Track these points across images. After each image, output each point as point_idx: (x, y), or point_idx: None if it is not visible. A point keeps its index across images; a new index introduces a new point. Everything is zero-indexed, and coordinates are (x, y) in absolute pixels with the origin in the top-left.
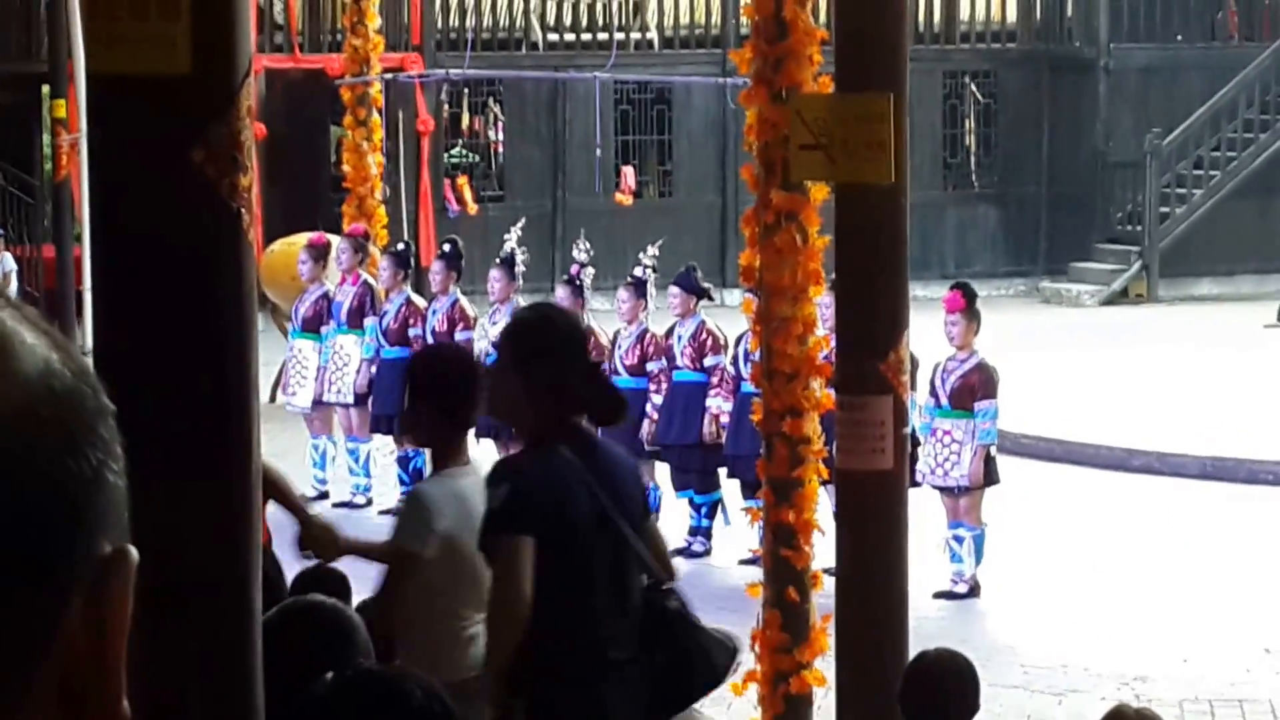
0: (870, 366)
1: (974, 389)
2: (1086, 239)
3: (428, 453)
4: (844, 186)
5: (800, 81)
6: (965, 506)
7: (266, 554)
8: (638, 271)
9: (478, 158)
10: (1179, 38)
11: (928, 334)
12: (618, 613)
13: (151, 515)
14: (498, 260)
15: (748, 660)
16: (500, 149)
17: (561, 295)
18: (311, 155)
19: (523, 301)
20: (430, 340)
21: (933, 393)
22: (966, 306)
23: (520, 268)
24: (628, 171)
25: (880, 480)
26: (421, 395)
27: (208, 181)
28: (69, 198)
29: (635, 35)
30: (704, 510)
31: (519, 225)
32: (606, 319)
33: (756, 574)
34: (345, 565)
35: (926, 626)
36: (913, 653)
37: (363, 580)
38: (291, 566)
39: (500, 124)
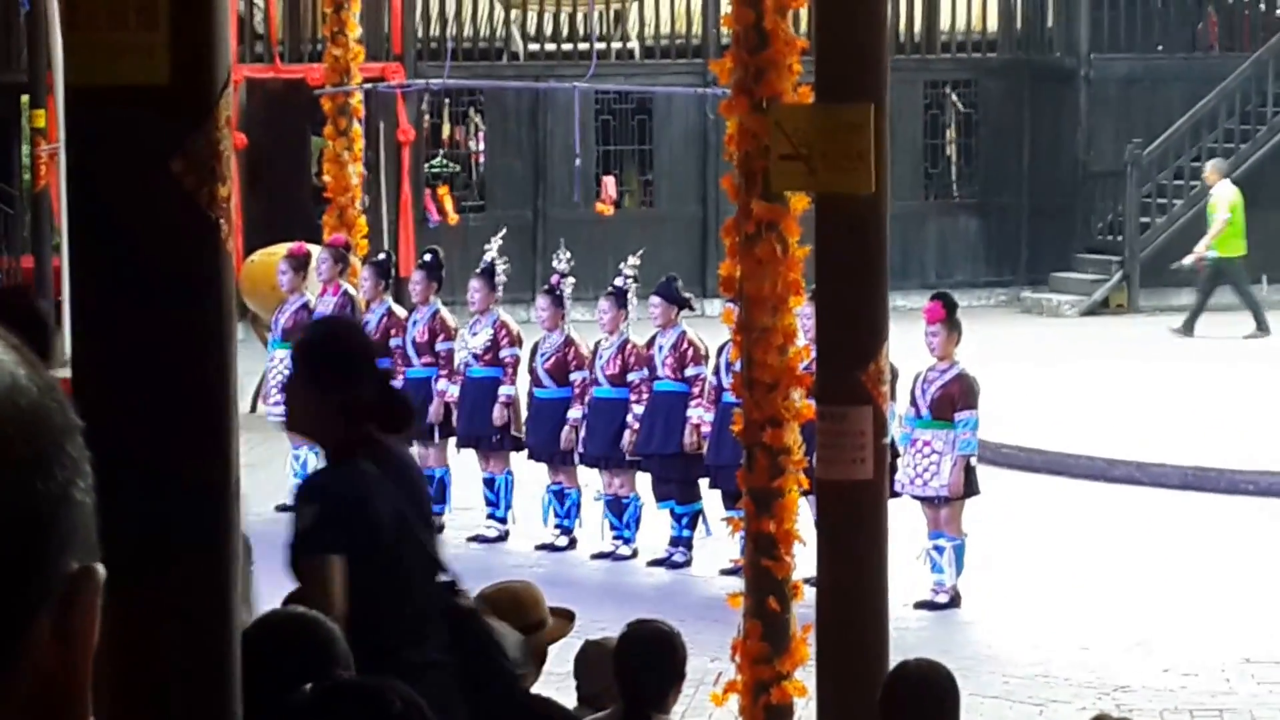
0: (850, 377)
1: (954, 399)
2: (1067, 249)
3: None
4: (824, 197)
5: (780, 91)
6: (946, 517)
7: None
8: (618, 282)
9: (458, 168)
10: (1160, 48)
11: (908, 344)
12: (427, 616)
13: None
14: (478, 271)
15: (728, 670)
16: (481, 159)
17: (542, 305)
18: (292, 165)
19: (503, 312)
20: (412, 351)
21: (913, 403)
22: (947, 317)
23: (500, 278)
24: (608, 181)
25: (860, 490)
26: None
27: (186, 192)
28: (48, 208)
29: (616, 45)
30: (685, 521)
31: (499, 236)
32: (587, 329)
33: (737, 584)
34: None
35: (907, 637)
36: (893, 663)
37: None
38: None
39: (481, 134)
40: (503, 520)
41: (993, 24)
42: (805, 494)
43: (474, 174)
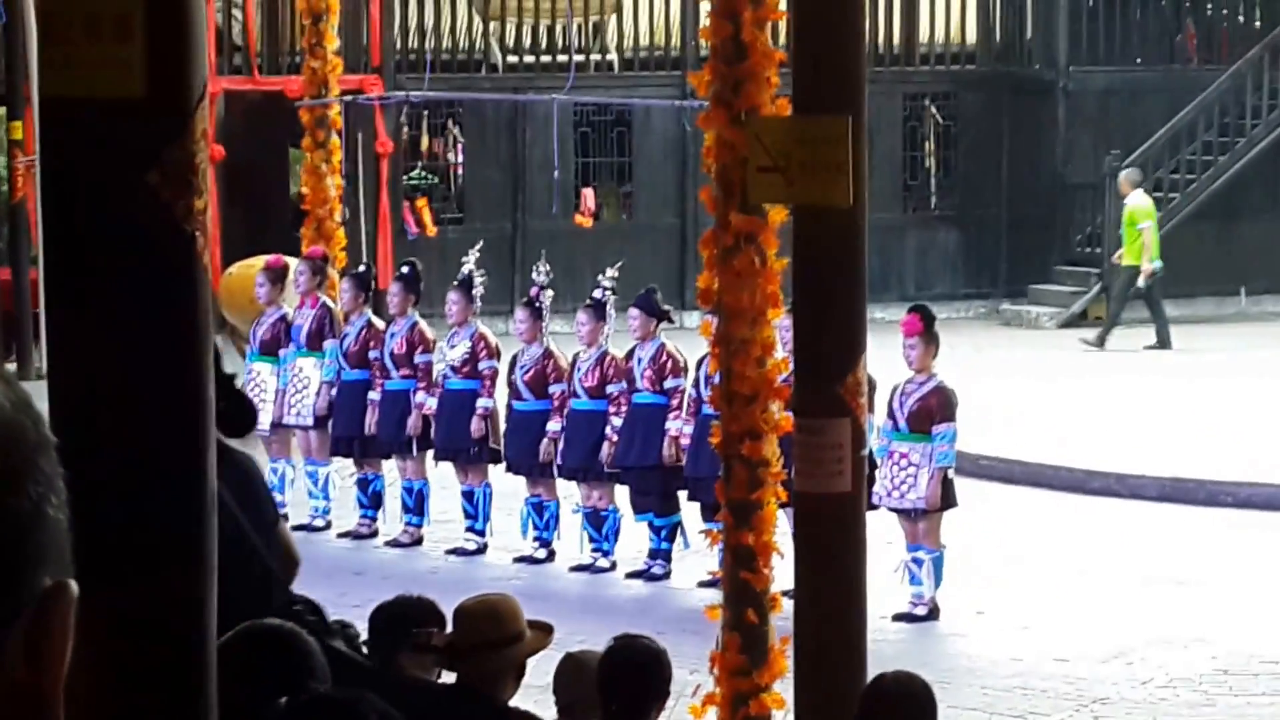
0: (828, 389)
1: (932, 412)
2: (1046, 261)
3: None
4: (802, 209)
5: (759, 104)
6: (924, 529)
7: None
8: (597, 294)
9: (437, 180)
10: (1138, 60)
11: (888, 356)
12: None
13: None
14: (455, 283)
15: (707, 683)
16: (459, 171)
17: (521, 317)
18: (271, 177)
19: (481, 324)
20: (390, 363)
21: (891, 415)
22: (924, 330)
23: (478, 290)
24: (587, 193)
25: (838, 503)
26: None
27: (163, 204)
28: (25, 220)
29: (595, 57)
30: (663, 533)
31: (476, 248)
32: (566, 341)
33: (716, 596)
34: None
35: (885, 649)
36: (871, 675)
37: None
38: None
39: (459, 146)
40: (481, 533)
41: (971, 36)
42: (783, 506)
43: (452, 186)
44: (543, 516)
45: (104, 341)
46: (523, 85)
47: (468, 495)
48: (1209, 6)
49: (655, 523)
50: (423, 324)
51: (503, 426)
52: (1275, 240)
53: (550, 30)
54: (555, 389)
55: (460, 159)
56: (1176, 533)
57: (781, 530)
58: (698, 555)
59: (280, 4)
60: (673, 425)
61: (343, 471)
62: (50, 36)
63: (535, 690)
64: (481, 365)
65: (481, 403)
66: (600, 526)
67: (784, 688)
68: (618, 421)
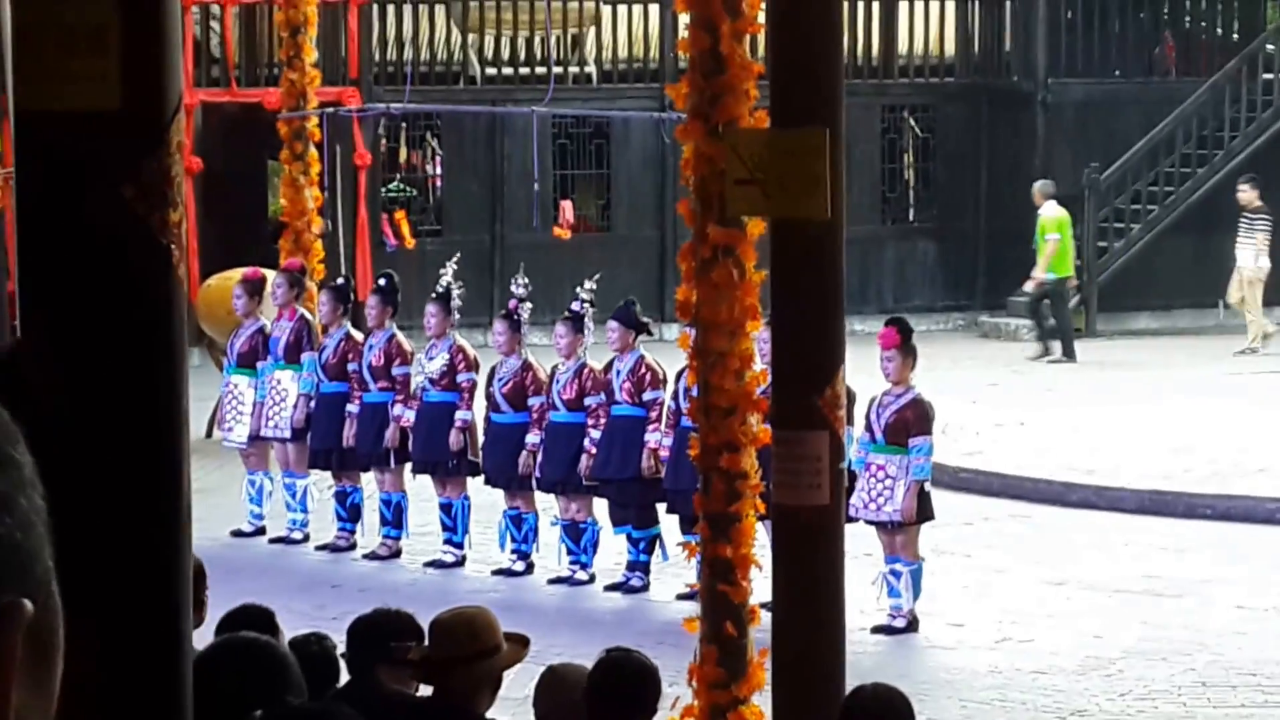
0: (807, 402)
1: (908, 425)
2: (1025, 273)
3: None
4: (780, 221)
5: (737, 116)
6: (902, 541)
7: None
8: (576, 306)
9: (415, 192)
10: (1117, 72)
11: (867, 368)
12: None
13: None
14: (433, 295)
15: (685, 695)
16: (438, 183)
17: (499, 330)
18: (249, 189)
19: (459, 337)
20: (368, 376)
21: (868, 428)
22: (902, 342)
23: (456, 302)
24: (566, 206)
25: (817, 515)
26: None
27: (138, 217)
28: (2, 232)
29: (573, 69)
30: (642, 545)
31: (454, 260)
32: (544, 353)
33: (694, 609)
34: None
35: (864, 661)
36: (849, 688)
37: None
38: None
39: (438, 158)
40: (459, 545)
41: (950, 48)
42: (762, 519)
43: (431, 198)
44: (521, 529)
45: (79, 353)
46: (501, 98)
47: (446, 508)
48: (1188, 19)
49: (634, 535)
50: (401, 336)
51: (481, 439)
52: None
53: (529, 42)
54: (534, 401)
55: (439, 171)
56: (1155, 545)
57: (760, 543)
58: (676, 568)
59: (258, 16)
60: (651, 437)
61: (321, 484)
62: (26, 49)
63: (512, 703)
64: (460, 377)
65: (460, 415)
66: (578, 539)
67: (762, 700)
68: (596, 434)
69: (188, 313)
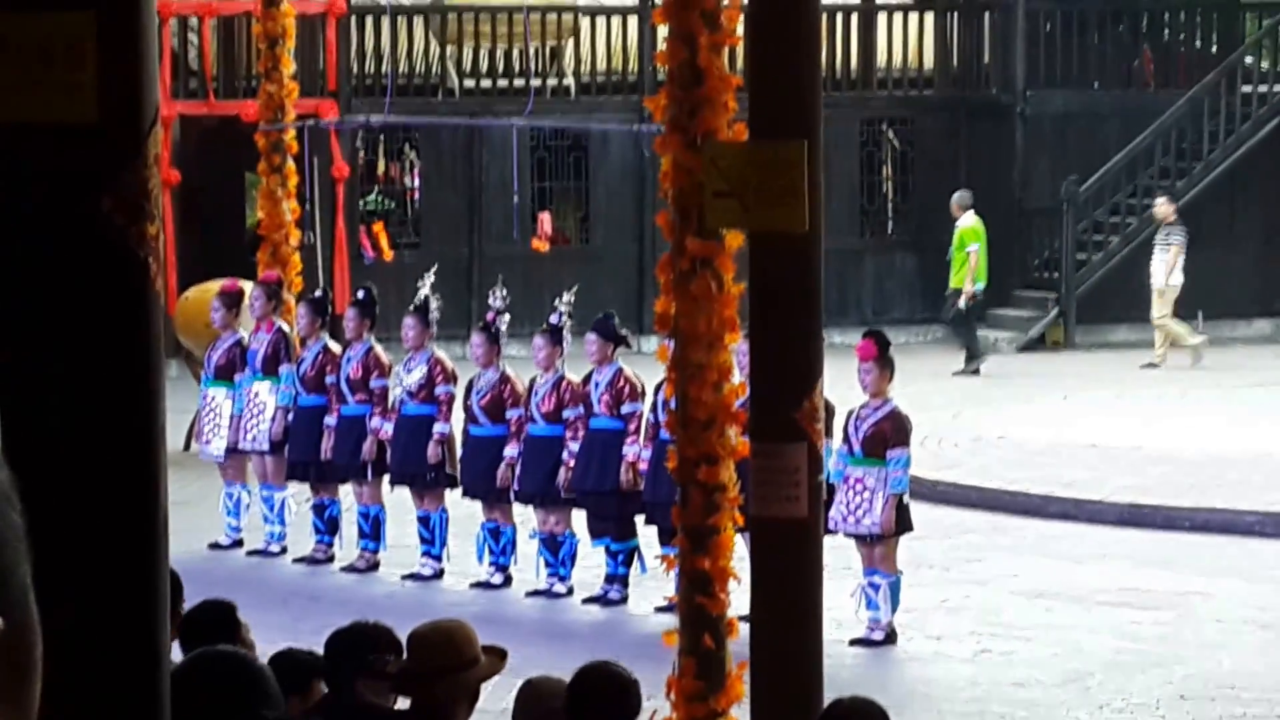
0: (785, 414)
1: (886, 437)
2: (1004, 285)
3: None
4: (758, 234)
5: (715, 128)
6: (880, 554)
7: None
8: (554, 318)
9: (394, 204)
10: (1096, 85)
11: (847, 380)
12: None
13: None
14: (412, 307)
15: (664, 708)
16: (416, 195)
17: (477, 342)
18: (226, 202)
19: (437, 349)
20: (346, 388)
21: (846, 440)
22: (879, 354)
23: (434, 315)
24: (544, 218)
25: (795, 528)
26: None
27: (116, 230)
28: None
29: (552, 82)
30: (620, 558)
31: (432, 273)
32: (523, 366)
33: (672, 621)
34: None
35: (842, 674)
36: (828, 700)
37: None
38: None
39: (416, 170)
40: (437, 558)
41: (929, 61)
42: (740, 531)
43: (409, 210)
44: (499, 542)
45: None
46: (480, 110)
47: (424, 520)
48: (1166, 31)
49: (612, 547)
50: (379, 349)
51: (459, 451)
52: (1232, 265)
53: (508, 55)
54: (512, 414)
55: (417, 183)
56: (1134, 557)
57: (738, 555)
58: (655, 580)
59: (236, 28)
60: (630, 450)
61: (299, 496)
62: (2, 61)
63: (490, 716)
64: (438, 390)
65: (438, 428)
66: (557, 551)
67: (741, 713)
68: (575, 446)
69: (165, 325)
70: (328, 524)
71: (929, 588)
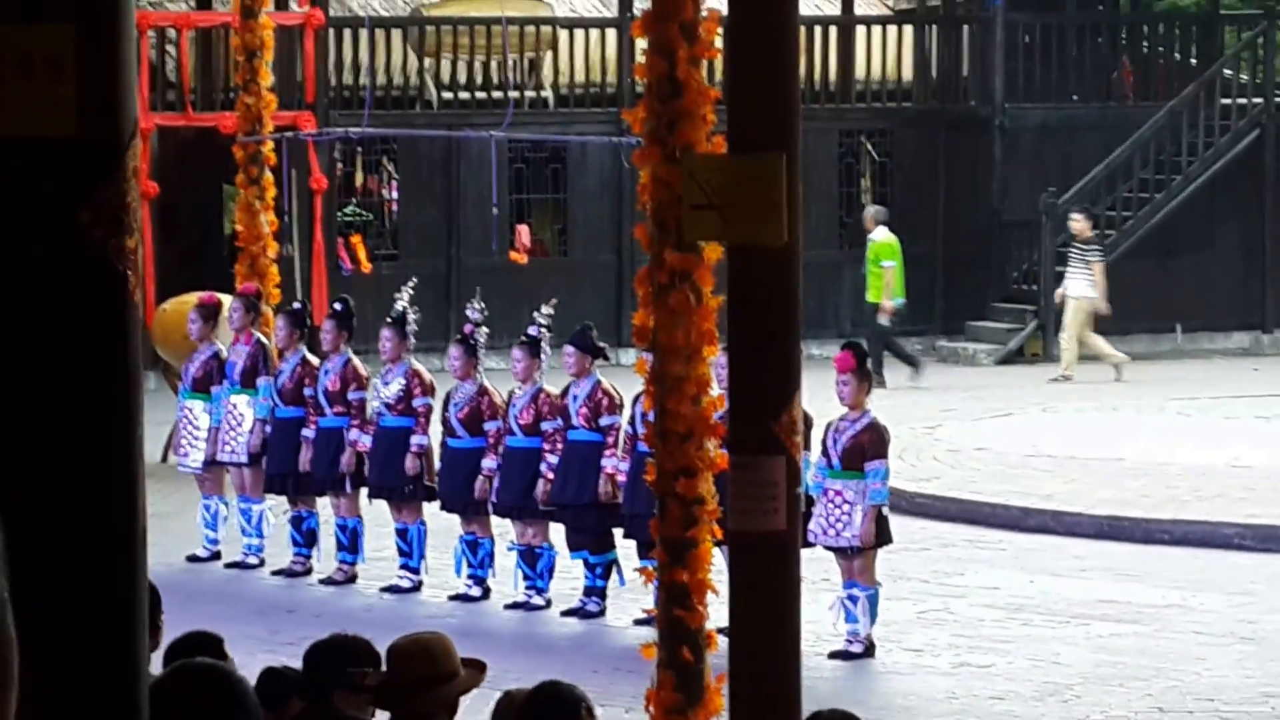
0: (763, 427)
1: (864, 449)
2: (983, 298)
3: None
4: (737, 246)
5: (694, 141)
6: (859, 566)
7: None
8: (532, 330)
9: (372, 216)
10: (1074, 97)
11: (826, 393)
12: None
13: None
14: (388, 320)
15: None
16: (394, 207)
17: (455, 354)
18: (205, 213)
19: (415, 361)
20: (323, 400)
21: (825, 453)
22: (857, 366)
23: (412, 327)
24: (523, 230)
25: (773, 541)
26: None
27: (94, 243)
28: None
29: (530, 94)
30: (598, 570)
31: (409, 285)
32: (501, 378)
33: (651, 634)
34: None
35: (821, 687)
36: (806, 713)
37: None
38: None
39: (394, 182)
40: (415, 570)
41: (907, 73)
42: (719, 544)
43: (387, 222)
44: (477, 554)
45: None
46: (458, 122)
47: (402, 533)
48: (1145, 44)
49: (590, 560)
50: (356, 361)
51: (437, 464)
52: (1211, 277)
53: (486, 67)
54: (490, 426)
55: (395, 195)
56: (1113, 570)
57: (717, 568)
58: (633, 593)
59: (214, 40)
60: (608, 463)
61: (277, 509)
62: None
63: None
64: (416, 402)
65: (416, 440)
66: (535, 564)
67: None
68: (553, 459)
69: (142, 337)
70: (306, 536)
71: (908, 600)
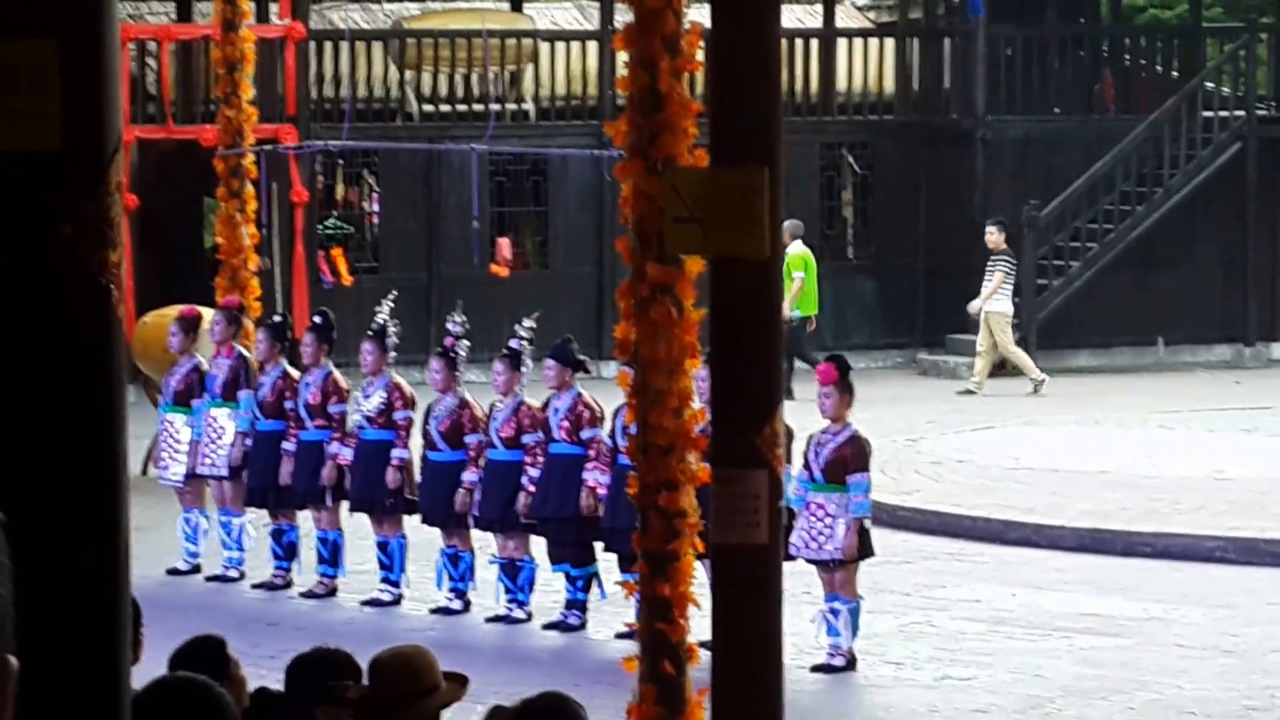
0: (745, 440)
1: (846, 462)
2: (964, 311)
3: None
4: (719, 260)
5: (675, 154)
6: (841, 579)
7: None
8: (513, 343)
9: (352, 229)
10: (1056, 110)
11: (806, 406)
12: None
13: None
14: (369, 333)
15: None
16: (375, 220)
17: (435, 367)
18: (185, 226)
19: (396, 374)
20: (304, 414)
21: (806, 466)
22: (840, 379)
23: (392, 340)
24: (504, 243)
25: (755, 554)
26: None
27: (77, 258)
28: None
29: (512, 107)
30: (580, 583)
31: (390, 298)
32: (482, 391)
33: (632, 648)
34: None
35: (803, 700)
36: None
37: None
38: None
39: (375, 195)
40: (396, 584)
41: (889, 86)
42: (701, 557)
43: (368, 235)
44: (458, 567)
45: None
46: (439, 134)
47: (383, 546)
48: (1127, 57)
49: (571, 573)
50: (337, 374)
51: (418, 477)
52: (1193, 290)
53: (467, 79)
54: (471, 439)
55: (376, 208)
56: (1094, 583)
57: (699, 581)
58: (615, 606)
59: (195, 53)
60: (590, 476)
61: (257, 522)
62: None
63: None
64: (397, 415)
65: (396, 453)
66: (516, 577)
67: None
68: (534, 472)
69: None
70: (286, 549)
71: (889, 613)
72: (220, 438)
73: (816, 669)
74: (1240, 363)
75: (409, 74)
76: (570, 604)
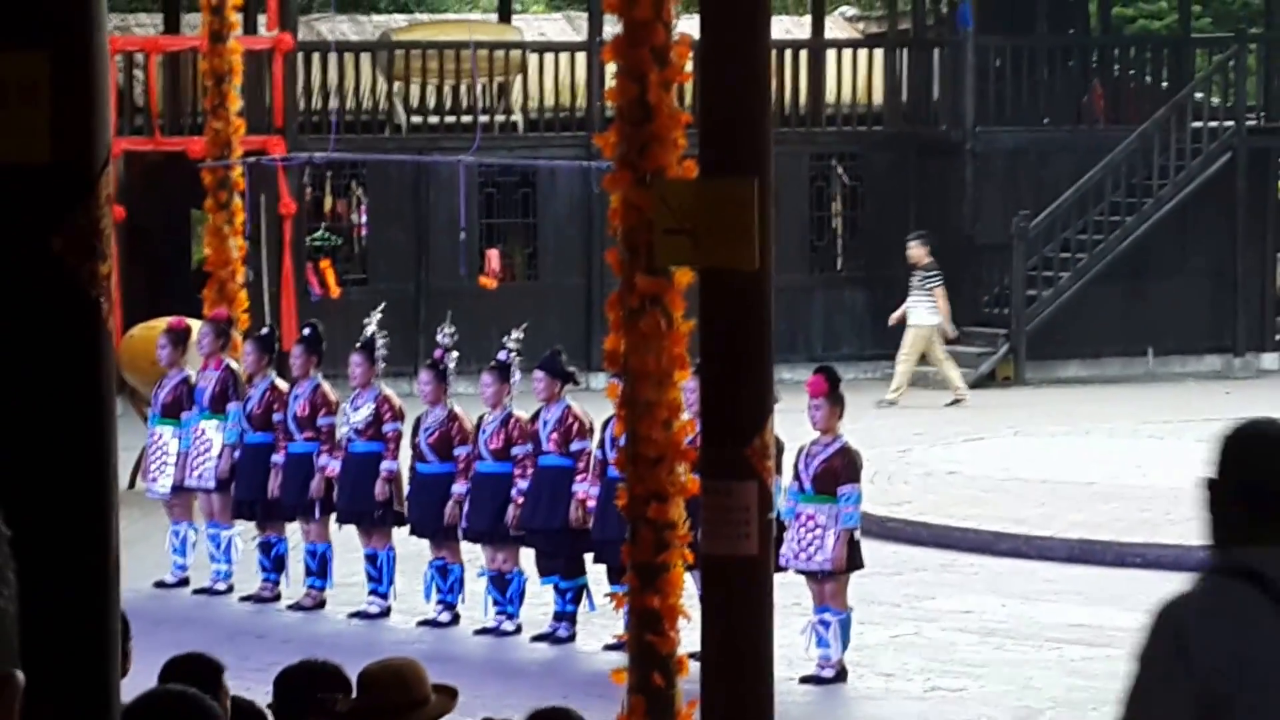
0: (735, 451)
1: (837, 473)
2: (955, 321)
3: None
4: (708, 271)
5: (665, 165)
6: (831, 591)
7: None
8: (502, 355)
9: (340, 240)
10: (1046, 121)
11: (796, 418)
12: None
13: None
14: (358, 345)
15: None
16: (363, 232)
17: (424, 379)
18: (172, 238)
19: (385, 386)
20: (293, 426)
21: (796, 477)
22: (830, 391)
23: (381, 352)
24: (492, 254)
25: (745, 565)
26: None
27: (67, 270)
28: None
29: (500, 118)
30: (569, 595)
31: (379, 310)
32: (470, 403)
33: (622, 659)
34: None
35: (792, 711)
36: None
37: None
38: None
39: (363, 207)
40: (385, 596)
41: (878, 96)
42: (690, 569)
43: (356, 247)
44: (447, 580)
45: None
46: (427, 146)
47: (371, 558)
48: (1116, 67)
49: (560, 585)
50: (326, 386)
51: (407, 489)
52: (1183, 301)
53: (455, 91)
54: (460, 451)
55: (364, 220)
56: (1085, 594)
57: (688, 593)
58: (604, 618)
59: (182, 64)
60: (579, 488)
61: (245, 534)
62: None
63: None
64: (385, 427)
65: (385, 465)
66: (505, 589)
67: None
68: (523, 484)
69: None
70: (274, 562)
71: (879, 625)
72: (208, 450)
73: (806, 680)
74: (1230, 373)
75: (397, 85)
76: (559, 616)
